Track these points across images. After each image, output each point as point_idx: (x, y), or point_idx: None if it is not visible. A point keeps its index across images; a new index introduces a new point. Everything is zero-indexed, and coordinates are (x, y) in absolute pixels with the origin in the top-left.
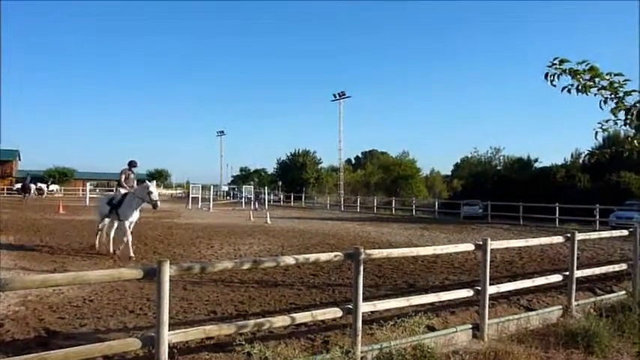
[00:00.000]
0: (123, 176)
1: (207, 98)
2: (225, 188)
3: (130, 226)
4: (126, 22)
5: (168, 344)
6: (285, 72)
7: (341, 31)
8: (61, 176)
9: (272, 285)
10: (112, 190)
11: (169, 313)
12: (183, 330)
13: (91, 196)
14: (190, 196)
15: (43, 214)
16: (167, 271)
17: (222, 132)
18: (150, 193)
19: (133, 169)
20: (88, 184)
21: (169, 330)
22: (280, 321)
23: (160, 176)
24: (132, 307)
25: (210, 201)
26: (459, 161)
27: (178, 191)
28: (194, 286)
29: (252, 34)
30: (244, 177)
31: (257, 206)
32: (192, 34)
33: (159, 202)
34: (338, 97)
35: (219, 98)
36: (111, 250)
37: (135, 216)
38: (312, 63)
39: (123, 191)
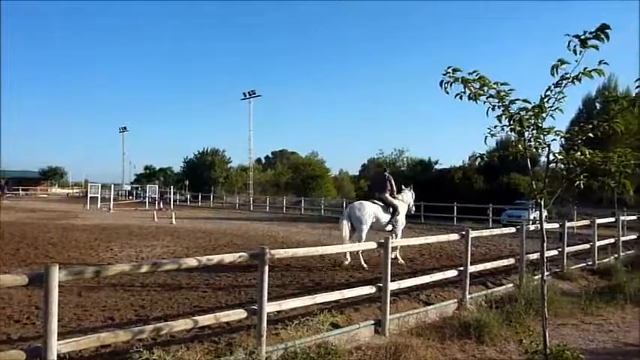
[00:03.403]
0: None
1: (108, 92)
2: (128, 187)
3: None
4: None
5: (58, 355)
6: (194, 69)
7: (250, 30)
8: None
9: (176, 288)
10: None
11: (61, 321)
12: (75, 339)
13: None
14: (89, 195)
15: None
16: (56, 276)
17: (125, 128)
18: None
19: None
20: None
21: (59, 339)
22: (182, 324)
23: (54, 174)
24: (18, 317)
25: (110, 201)
26: (366, 162)
27: (75, 190)
28: (90, 291)
29: (158, 31)
30: (149, 176)
31: (162, 206)
32: (97, 29)
33: None
34: (248, 96)
35: (120, 92)
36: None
37: None
38: (221, 60)
39: (390, 197)
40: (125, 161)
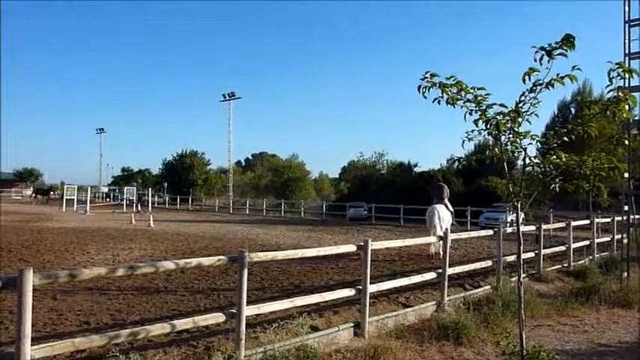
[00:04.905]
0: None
1: (85, 93)
2: (105, 189)
3: None
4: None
5: None
6: (173, 70)
7: (230, 31)
8: None
9: (153, 291)
10: None
11: (36, 325)
12: (49, 344)
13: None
14: (65, 197)
15: None
16: (30, 280)
17: (102, 129)
18: None
19: None
20: None
21: (33, 344)
22: (159, 329)
23: (29, 176)
24: None
25: (87, 203)
26: (346, 164)
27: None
28: (66, 295)
29: (137, 31)
30: (126, 178)
31: (140, 209)
32: (73, 29)
33: None
34: (228, 98)
35: (98, 93)
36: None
37: None
38: (200, 62)
39: (448, 203)
40: (102, 163)
